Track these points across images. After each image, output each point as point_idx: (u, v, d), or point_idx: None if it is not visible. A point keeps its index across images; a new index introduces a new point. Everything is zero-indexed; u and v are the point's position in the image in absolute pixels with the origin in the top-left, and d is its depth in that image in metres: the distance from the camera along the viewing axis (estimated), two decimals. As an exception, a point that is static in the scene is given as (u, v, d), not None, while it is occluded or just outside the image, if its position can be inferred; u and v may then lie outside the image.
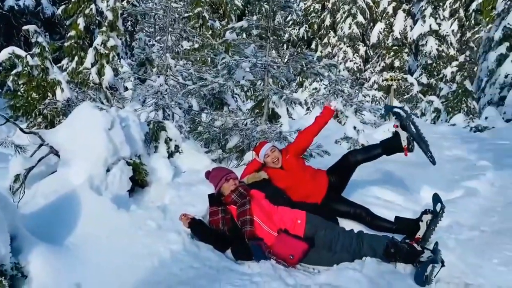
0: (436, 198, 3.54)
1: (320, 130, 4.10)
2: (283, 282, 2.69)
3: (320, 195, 3.78)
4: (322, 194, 3.79)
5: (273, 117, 5.59)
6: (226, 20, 18.64)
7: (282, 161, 3.92)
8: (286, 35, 34.07)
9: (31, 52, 7.98)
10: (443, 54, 26.95)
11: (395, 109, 3.74)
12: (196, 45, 9.86)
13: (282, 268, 2.96)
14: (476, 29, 28.06)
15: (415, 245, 3.08)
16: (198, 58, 8.68)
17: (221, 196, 3.51)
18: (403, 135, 3.66)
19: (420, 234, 3.38)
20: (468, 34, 28.27)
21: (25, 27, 8.07)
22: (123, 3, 16.54)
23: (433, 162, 3.74)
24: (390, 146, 3.77)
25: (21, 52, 8.04)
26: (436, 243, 2.92)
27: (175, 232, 3.18)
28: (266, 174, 3.90)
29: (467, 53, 24.95)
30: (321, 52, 33.92)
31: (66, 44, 11.98)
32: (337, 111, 12.62)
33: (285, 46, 34.48)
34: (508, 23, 19.54)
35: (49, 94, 7.92)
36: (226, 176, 3.54)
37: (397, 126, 3.70)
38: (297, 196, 3.77)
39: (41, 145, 3.65)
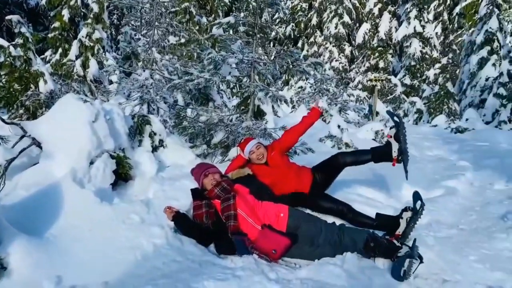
0: (416, 196, 3.60)
1: (306, 130, 4.14)
2: (265, 277, 2.71)
3: (304, 191, 3.83)
4: (307, 190, 3.83)
5: (259, 114, 5.61)
6: (213, 16, 18.56)
7: (267, 157, 3.94)
8: (273, 33, 34.07)
9: (13, 43, 7.82)
10: (427, 56, 27.31)
11: (396, 118, 3.75)
12: (183, 40, 9.81)
13: (265, 262, 2.98)
14: (459, 32, 28.54)
15: (395, 241, 3.14)
16: (184, 53, 8.64)
17: (204, 191, 3.52)
18: (395, 146, 3.68)
19: (400, 230, 3.45)
20: (451, 37, 28.74)
21: (8, 17, 7.89)
22: (108, -5, 16.34)
23: (406, 177, 3.79)
24: (381, 154, 3.79)
25: (4, 42, 7.85)
26: (414, 240, 2.98)
27: (158, 226, 3.18)
28: (250, 170, 3.92)
29: (450, 55, 25.38)
30: (307, 51, 34.04)
31: (50, 35, 11.77)
32: (326, 110, 12.73)
33: (271, 43, 34.50)
34: (490, 27, 19.92)
35: (31, 85, 7.76)
36: (204, 172, 3.57)
37: (390, 136, 3.71)
38: (282, 190, 3.81)
39: (23, 136, 3.59)
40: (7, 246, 2.55)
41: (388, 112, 3.97)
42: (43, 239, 2.82)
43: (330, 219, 3.71)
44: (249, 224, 3.21)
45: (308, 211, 3.74)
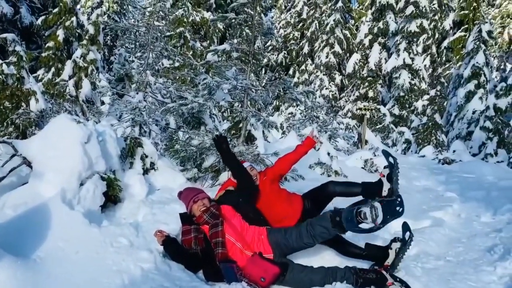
0: (405, 227, 3.63)
1: (299, 159, 4.17)
2: (254, 304, 2.69)
3: (294, 219, 3.82)
4: (296, 218, 3.82)
5: (249, 139, 5.65)
6: (208, 42, 18.81)
7: (259, 182, 3.95)
8: (265, 60, 34.57)
9: (7, 61, 7.85)
10: (415, 87, 27.81)
11: (391, 159, 3.76)
12: (177, 64, 9.91)
13: (253, 290, 2.96)
14: (447, 65, 29.23)
15: (384, 272, 3.14)
16: (177, 77, 8.71)
17: (193, 217, 3.49)
18: (386, 186, 3.67)
19: (389, 261, 3.45)
20: (440, 70, 29.41)
21: (2, 35, 7.96)
22: (104, 17, 16.52)
23: None
24: (371, 190, 3.77)
25: (-4, 60, 7.90)
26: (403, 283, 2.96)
27: (146, 250, 3.15)
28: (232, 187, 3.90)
29: (438, 87, 25.89)
30: (298, 78, 34.49)
31: (43, 54, 11.83)
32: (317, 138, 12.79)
33: (263, 70, 34.94)
34: (477, 62, 20.47)
35: (23, 104, 7.76)
36: (194, 198, 3.53)
37: (383, 176, 3.71)
38: (271, 217, 3.79)
39: (13, 155, 3.57)
40: (-8, 267, 2.50)
41: (383, 151, 3.97)
42: (30, 260, 2.78)
43: (318, 247, 3.71)
44: (237, 250, 3.19)
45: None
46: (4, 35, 8.00)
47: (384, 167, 3.79)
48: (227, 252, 3.16)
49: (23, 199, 3.29)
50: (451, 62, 28.94)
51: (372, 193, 3.76)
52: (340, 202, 4.26)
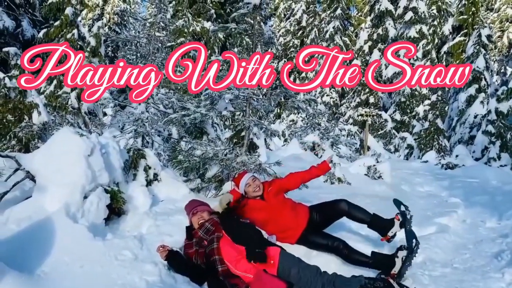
0: (410, 235, 3.61)
1: (310, 180, 4.16)
2: (260, 317, 2.66)
3: (298, 230, 3.79)
4: (301, 229, 3.79)
5: (251, 148, 5.63)
6: (209, 51, 18.87)
7: (264, 192, 3.93)
8: (265, 68, 34.65)
9: (9, 74, 7.88)
10: (416, 92, 27.82)
11: (402, 208, 3.76)
12: (178, 74, 9.91)
13: (260, 303, 2.93)
14: (447, 70, 29.30)
15: (391, 280, 3.11)
16: (179, 87, 8.76)
17: (193, 230, 3.46)
18: (395, 229, 3.67)
19: (395, 270, 3.42)
20: (440, 75, 29.49)
21: (5, 49, 8.00)
22: (105, 29, 16.63)
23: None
24: (379, 225, 3.76)
25: (-1, 74, 7.93)
26: None
27: (151, 263, 3.12)
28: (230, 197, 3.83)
29: (439, 92, 25.84)
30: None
31: (45, 67, 11.87)
32: (318, 144, 12.80)
33: (264, 78, 34.92)
34: (477, 66, 20.49)
35: (25, 117, 7.77)
36: (192, 210, 3.50)
37: (398, 219, 3.70)
38: (276, 228, 3.77)
39: (17, 169, 3.57)
40: (-3, 284, 2.49)
41: (394, 200, 3.97)
42: (34, 275, 2.76)
43: (326, 255, 3.69)
44: (237, 273, 3.10)
45: (303, 249, 3.71)
46: (6, 48, 8.04)
47: (397, 213, 3.76)
48: (227, 268, 3.11)
49: (27, 213, 3.27)
50: (451, 67, 28.96)
51: (378, 228, 3.75)
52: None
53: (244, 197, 3.93)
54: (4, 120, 7.92)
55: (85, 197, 3.45)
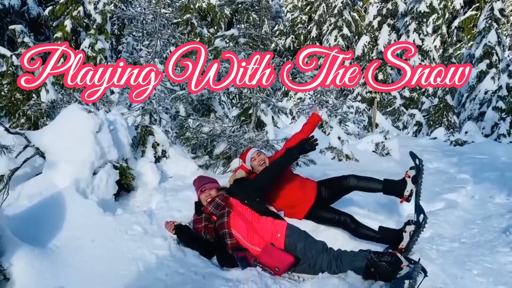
0: (419, 209, 3.60)
1: (307, 136, 4.11)
2: (269, 289, 2.70)
3: (306, 205, 3.80)
4: (309, 204, 3.80)
5: (259, 125, 5.63)
6: (215, 27, 18.68)
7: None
8: (273, 45, 34.30)
9: (16, 52, 7.86)
10: (426, 69, 27.49)
11: (417, 161, 3.69)
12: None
13: (268, 275, 2.97)
14: (458, 45, 28.74)
15: (398, 254, 3.11)
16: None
17: (202, 206, 3.49)
18: (409, 186, 3.62)
19: (403, 244, 3.43)
20: (450, 50, 28.91)
21: (11, 27, 7.96)
22: (111, 6, 16.47)
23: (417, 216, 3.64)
24: (393, 188, 3.72)
25: (6, 52, 7.91)
26: (418, 259, 2.92)
27: (161, 237, 3.17)
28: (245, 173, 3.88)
29: (449, 68, 25.48)
30: (307, 62, 34.22)
31: (51, 45, 11.84)
32: (326, 122, 12.74)
33: (271, 55, 34.54)
34: (489, 41, 20.09)
35: (33, 95, 7.79)
36: (201, 188, 3.53)
37: (408, 176, 3.66)
38: (284, 203, 3.78)
39: (26, 146, 3.59)
40: (10, 257, 2.53)
41: (411, 153, 3.90)
42: (46, 249, 2.81)
43: (333, 230, 3.70)
44: (246, 245, 3.16)
45: (310, 223, 3.73)
46: (12, 26, 8.00)
47: (410, 168, 3.72)
48: (236, 241, 3.14)
49: (38, 189, 3.32)
50: (462, 42, 28.45)
51: (393, 191, 3.72)
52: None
53: (252, 173, 3.94)
54: (13, 99, 7.97)
55: (95, 173, 3.49)
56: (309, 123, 4.18)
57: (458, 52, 28.00)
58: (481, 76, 20.03)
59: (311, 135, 3.79)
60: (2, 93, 8.02)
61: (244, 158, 4.01)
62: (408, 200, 3.67)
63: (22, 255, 2.56)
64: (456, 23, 29.28)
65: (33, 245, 2.74)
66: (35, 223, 3.05)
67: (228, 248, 3.13)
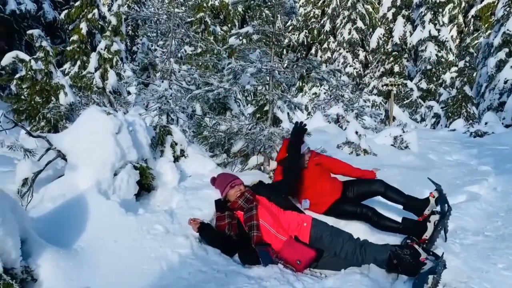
0: (442, 200, 3.56)
1: (350, 176, 4.12)
2: (291, 286, 2.70)
3: (331, 198, 3.80)
4: (335, 198, 3.81)
5: (275, 122, 5.61)
6: (229, 25, 18.69)
7: (309, 160, 4.00)
8: (286, 40, 34.20)
9: (34, 57, 8.02)
10: (442, 59, 27.06)
11: (438, 187, 3.74)
12: (199, 50, 9.93)
13: (290, 272, 2.97)
14: (475, 35, 28.22)
15: (416, 246, 3.04)
16: (200, 63, 8.73)
17: (228, 202, 3.53)
18: (431, 207, 3.65)
19: (427, 235, 3.39)
20: (468, 40, 28.42)
21: (29, 32, 8.12)
22: (124, 7, 16.63)
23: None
24: (414, 206, 3.74)
25: (25, 56, 8.08)
26: (442, 254, 2.89)
27: (183, 236, 3.19)
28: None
29: (467, 58, 24.95)
30: (320, 57, 34.06)
31: (68, 48, 12.04)
32: (342, 116, 12.67)
33: (284, 51, 34.56)
34: (508, 29, 19.67)
35: (52, 98, 7.95)
36: (231, 183, 3.56)
37: (433, 196, 3.69)
38: (312, 193, 3.81)
39: (48, 149, 3.66)
40: (37, 258, 2.58)
41: (435, 185, 3.89)
42: (71, 250, 2.86)
43: (354, 224, 3.69)
44: (272, 235, 3.21)
45: (331, 219, 3.72)
46: (30, 31, 8.15)
47: (435, 190, 3.75)
48: (262, 235, 3.19)
49: (61, 191, 3.37)
50: (479, 31, 27.94)
51: (414, 209, 3.72)
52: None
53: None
54: (33, 102, 8.16)
55: (115, 174, 3.52)
56: (363, 172, 4.14)
57: (476, 41, 27.49)
58: (500, 66, 19.64)
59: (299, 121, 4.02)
60: (22, 97, 8.21)
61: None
62: (425, 220, 3.59)
63: (48, 257, 2.61)
64: (473, 12, 28.75)
65: (58, 246, 2.79)
66: (59, 225, 3.10)
67: (253, 242, 3.17)
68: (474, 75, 23.46)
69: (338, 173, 4.14)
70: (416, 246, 3.03)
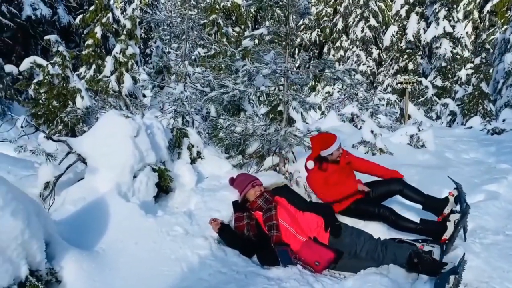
0: (460, 199, 3.53)
1: (374, 175, 4.09)
2: (311, 287, 2.71)
3: (356, 196, 3.79)
4: (359, 196, 3.80)
5: (289, 122, 5.61)
6: (242, 26, 18.74)
7: (341, 157, 3.99)
8: (298, 40, 34.16)
9: (52, 61, 8.15)
10: (458, 56, 26.70)
11: (457, 185, 3.70)
12: (213, 52, 10.00)
13: (309, 273, 2.98)
14: (491, 30, 27.79)
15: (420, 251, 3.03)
16: (214, 65, 8.78)
17: (247, 202, 3.56)
18: (451, 205, 3.61)
19: (447, 234, 3.35)
20: (483, 36, 27.99)
21: (46, 37, 8.26)
22: (137, 10, 16.80)
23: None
24: (433, 205, 3.71)
25: (42, 61, 8.23)
26: (464, 255, 2.86)
27: (202, 237, 3.23)
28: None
29: (483, 54, 24.55)
30: (333, 55, 33.89)
31: (84, 52, 12.20)
32: (357, 115, 12.60)
33: (297, 50, 34.52)
34: (525, 24, 19.34)
35: (69, 102, 8.07)
36: (252, 183, 3.61)
37: (452, 195, 3.66)
38: (342, 191, 3.78)
39: (68, 153, 3.72)
40: (60, 260, 2.63)
41: (457, 185, 3.86)
42: (93, 252, 2.91)
43: (372, 224, 3.67)
44: (291, 234, 3.22)
45: (349, 219, 3.71)
46: (48, 36, 8.30)
47: (454, 189, 3.71)
48: (281, 235, 3.20)
49: (81, 194, 3.43)
50: (495, 27, 27.46)
51: (434, 208, 3.69)
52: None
53: (322, 158, 3.95)
54: (50, 106, 8.29)
55: (135, 177, 3.57)
56: (387, 170, 4.07)
57: (492, 37, 27.06)
58: (517, 61, 19.32)
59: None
60: (40, 101, 8.35)
61: (325, 142, 3.96)
62: (445, 219, 3.55)
63: (71, 259, 2.66)
64: (488, 7, 28.30)
65: (80, 248, 2.84)
66: (81, 227, 3.16)
67: (272, 241, 3.19)
68: (491, 71, 23.09)
69: (360, 171, 4.13)
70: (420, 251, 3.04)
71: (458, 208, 3.53)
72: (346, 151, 4.16)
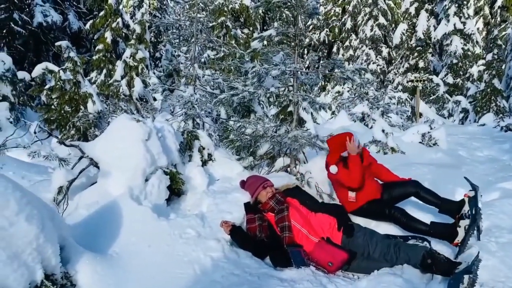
0: (472, 202, 3.48)
1: (385, 180, 4.05)
2: (324, 288, 2.70)
3: (373, 196, 3.77)
4: (376, 196, 3.78)
5: (299, 123, 5.60)
6: (251, 28, 18.76)
7: (364, 157, 3.93)
8: (307, 40, 34.09)
9: (63, 67, 8.26)
10: (469, 53, 26.42)
11: (474, 186, 3.64)
12: (222, 54, 10.04)
13: (322, 274, 2.97)
14: (503, 26, 27.41)
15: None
16: (223, 67, 8.81)
17: (258, 204, 3.56)
18: (466, 208, 3.54)
19: (458, 239, 3.32)
20: (495, 32, 27.61)
21: (58, 43, 8.38)
22: (146, 14, 16.94)
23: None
24: (448, 208, 3.65)
25: (54, 67, 8.34)
26: (478, 253, 2.82)
27: (214, 240, 3.23)
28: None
29: (495, 51, 24.17)
30: (343, 55, 33.75)
31: (94, 57, 12.32)
32: (368, 114, 12.52)
33: (305, 50, 34.43)
34: (537, 19, 19.05)
35: (81, 107, 8.16)
36: (263, 184, 3.61)
37: (467, 196, 3.58)
38: (361, 191, 3.76)
39: (81, 157, 3.76)
40: (75, 264, 2.66)
41: (472, 185, 3.82)
42: (106, 256, 2.93)
43: (384, 225, 3.65)
44: (303, 235, 3.21)
45: (361, 220, 3.69)
46: (59, 43, 8.42)
47: (470, 190, 3.64)
48: (293, 236, 3.20)
49: (94, 198, 3.46)
50: (507, 22, 27.08)
51: (449, 210, 3.63)
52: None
53: (344, 159, 3.90)
54: (62, 111, 8.40)
55: (146, 180, 3.60)
56: (400, 178, 4.05)
57: (504, 33, 26.67)
58: (530, 57, 19.03)
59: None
60: (52, 106, 8.46)
61: (342, 140, 3.89)
62: (460, 220, 3.51)
63: (86, 262, 2.69)
64: (499, 2, 27.94)
65: (94, 252, 2.87)
66: (94, 231, 3.19)
67: (284, 243, 3.19)
68: (503, 67, 22.77)
69: (379, 178, 4.08)
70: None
71: (468, 211, 3.47)
72: (368, 152, 4.11)
